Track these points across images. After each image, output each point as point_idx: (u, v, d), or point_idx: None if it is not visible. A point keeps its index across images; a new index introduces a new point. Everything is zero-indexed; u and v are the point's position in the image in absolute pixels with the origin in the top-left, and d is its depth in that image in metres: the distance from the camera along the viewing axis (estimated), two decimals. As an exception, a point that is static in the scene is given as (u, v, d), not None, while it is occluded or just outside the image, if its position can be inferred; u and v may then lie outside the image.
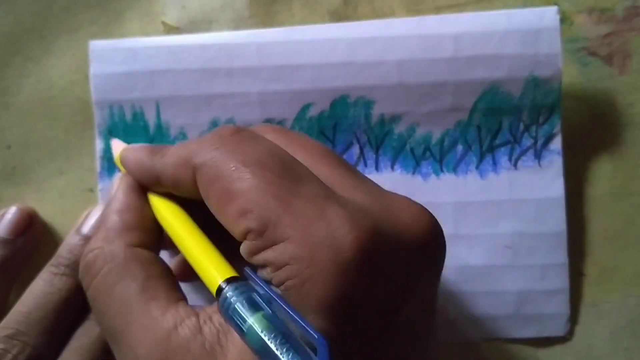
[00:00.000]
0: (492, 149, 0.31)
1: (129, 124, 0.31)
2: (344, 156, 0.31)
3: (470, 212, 0.31)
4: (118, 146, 0.28)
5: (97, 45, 0.30)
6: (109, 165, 0.31)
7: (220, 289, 0.20)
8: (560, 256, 0.31)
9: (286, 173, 0.21)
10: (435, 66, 0.30)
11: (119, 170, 0.28)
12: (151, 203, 0.25)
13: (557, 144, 0.31)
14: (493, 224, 0.31)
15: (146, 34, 0.32)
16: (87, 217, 0.30)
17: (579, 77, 0.32)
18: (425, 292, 0.21)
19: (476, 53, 0.30)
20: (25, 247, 0.31)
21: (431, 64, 0.30)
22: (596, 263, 0.32)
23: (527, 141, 0.31)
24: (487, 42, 0.30)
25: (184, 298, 0.22)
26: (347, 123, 0.31)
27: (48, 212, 0.32)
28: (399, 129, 0.31)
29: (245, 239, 0.20)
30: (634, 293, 0.32)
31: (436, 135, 0.31)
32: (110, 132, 0.31)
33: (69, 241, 0.30)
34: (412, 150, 0.31)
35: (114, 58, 0.30)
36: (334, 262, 0.19)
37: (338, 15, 0.32)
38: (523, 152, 0.31)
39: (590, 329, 0.32)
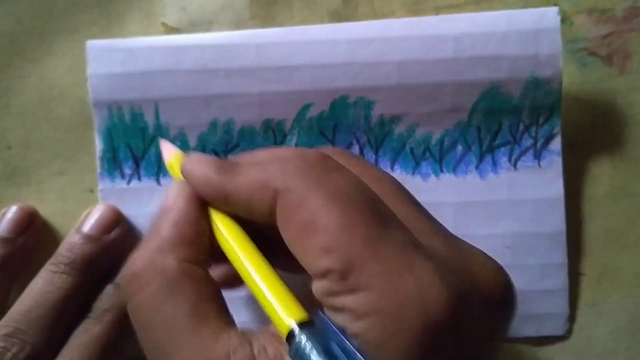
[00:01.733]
0: (491, 149, 0.31)
1: (128, 125, 0.31)
2: (344, 156, 0.31)
3: (470, 213, 0.31)
4: (169, 150, 0.26)
5: (94, 45, 0.30)
6: (109, 166, 0.31)
7: (292, 333, 0.19)
8: (559, 256, 0.31)
9: (375, 214, 0.20)
10: (435, 67, 0.30)
11: (168, 175, 0.27)
12: (213, 221, 0.23)
13: (556, 144, 0.31)
14: (493, 224, 0.31)
15: (146, 34, 0.32)
16: (87, 216, 0.30)
17: (579, 77, 0.32)
18: (492, 347, 0.21)
19: (476, 54, 0.30)
20: (26, 246, 0.31)
21: (431, 65, 0.30)
22: (596, 263, 0.32)
23: (526, 141, 0.31)
24: (487, 42, 0.30)
25: (234, 322, 0.21)
26: (346, 123, 0.31)
27: (48, 213, 0.32)
28: (399, 129, 0.31)
29: (323, 278, 0.19)
30: (634, 293, 0.32)
31: (436, 136, 0.31)
32: (110, 132, 0.31)
33: (69, 240, 0.30)
34: (411, 150, 0.31)
35: (112, 58, 0.30)
36: (421, 320, 0.18)
37: (338, 16, 0.32)
38: (523, 153, 0.31)
39: (590, 328, 0.32)
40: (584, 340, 0.32)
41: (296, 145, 0.31)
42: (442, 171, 0.31)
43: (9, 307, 0.29)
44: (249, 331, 0.21)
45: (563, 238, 0.31)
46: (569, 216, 0.31)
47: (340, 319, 0.19)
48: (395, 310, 0.18)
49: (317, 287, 0.19)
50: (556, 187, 0.31)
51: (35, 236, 0.31)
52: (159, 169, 0.31)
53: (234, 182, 0.22)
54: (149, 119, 0.31)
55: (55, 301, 0.28)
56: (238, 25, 0.32)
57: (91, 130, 0.31)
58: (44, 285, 0.29)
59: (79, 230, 0.30)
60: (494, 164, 0.31)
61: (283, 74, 0.30)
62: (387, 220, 0.20)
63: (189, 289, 0.21)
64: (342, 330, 0.18)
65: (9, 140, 0.32)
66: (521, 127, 0.31)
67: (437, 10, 0.32)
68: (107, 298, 0.30)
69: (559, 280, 0.31)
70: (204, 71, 0.30)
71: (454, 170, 0.31)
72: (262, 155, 0.24)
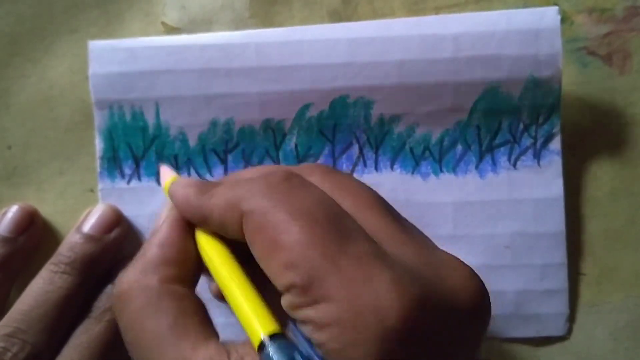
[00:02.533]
0: (491, 149, 0.31)
1: (128, 124, 0.31)
2: (344, 156, 0.32)
3: (469, 212, 0.31)
4: (167, 174, 0.28)
5: (96, 46, 0.31)
6: (109, 165, 0.31)
7: (262, 344, 0.20)
8: (559, 256, 0.31)
9: (335, 228, 0.20)
10: (435, 66, 0.30)
11: (164, 197, 0.28)
12: (198, 241, 0.25)
13: (556, 144, 0.31)
14: (492, 224, 0.31)
15: (146, 34, 0.32)
16: (87, 215, 0.31)
17: (579, 77, 0.32)
18: (468, 354, 0.21)
19: (476, 53, 0.30)
20: (26, 245, 0.31)
21: (431, 64, 0.30)
22: (596, 263, 0.32)
23: (526, 141, 0.31)
24: (487, 42, 0.30)
25: (216, 335, 0.22)
26: (346, 123, 0.31)
27: (48, 212, 0.32)
28: (399, 129, 0.31)
29: (287, 292, 0.20)
30: (633, 293, 0.32)
31: (436, 135, 0.31)
32: (110, 132, 0.31)
33: (70, 239, 0.30)
34: (411, 150, 0.31)
35: (113, 58, 0.30)
36: (377, 329, 0.18)
37: (338, 16, 0.32)
38: (522, 152, 0.31)
39: (589, 329, 0.32)
40: (584, 340, 0.32)
41: (296, 145, 0.31)
42: (441, 171, 0.31)
43: (9, 307, 0.29)
44: (231, 343, 0.21)
45: (563, 238, 0.31)
46: (569, 216, 0.31)
47: (305, 330, 0.20)
48: (352, 320, 0.18)
49: (284, 301, 0.20)
50: (556, 187, 0.31)
51: (35, 236, 0.31)
52: (159, 169, 0.31)
53: (208, 204, 0.23)
54: (150, 119, 0.31)
55: (55, 301, 0.28)
56: (238, 24, 0.32)
57: (91, 130, 0.32)
58: (44, 284, 0.29)
59: (79, 229, 0.30)
60: (494, 163, 0.31)
61: (283, 74, 0.30)
62: (348, 232, 0.21)
63: (170, 306, 0.22)
64: (309, 341, 0.19)
65: (9, 140, 0.32)
66: (521, 126, 0.31)
67: (437, 9, 0.32)
68: (107, 298, 0.30)
69: (559, 280, 0.31)
70: (204, 71, 0.30)
71: (454, 169, 0.31)
72: (242, 175, 0.26)
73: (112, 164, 0.31)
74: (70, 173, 0.32)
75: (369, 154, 0.32)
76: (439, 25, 0.30)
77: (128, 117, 0.31)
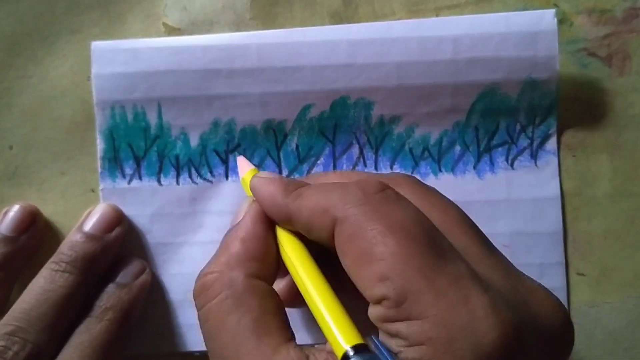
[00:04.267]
0: (489, 149, 0.32)
1: (130, 124, 0.32)
2: (344, 156, 0.32)
3: (468, 212, 0.31)
4: (245, 166, 0.28)
5: (98, 46, 0.31)
6: (110, 166, 0.32)
7: (346, 356, 0.20)
8: (557, 255, 0.32)
9: (431, 246, 0.20)
10: (435, 68, 0.31)
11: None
12: (279, 239, 0.25)
13: (553, 144, 0.32)
14: (491, 224, 0.31)
15: (147, 35, 0.32)
16: (88, 215, 0.31)
17: (579, 77, 0.32)
18: None
19: (475, 55, 0.31)
20: (28, 244, 0.31)
21: (430, 66, 0.31)
22: (596, 263, 0.32)
23: (523, 142, 0.32)
24: (485, 44, 0.31)
25: (293, 337, 0.23)
26: (347, 124, 0.32)
27: (50, 212, 0.32)
28: (398, 129, 0.32)
29: (378, 304, 0.20)
30: (633, 293, 0.32)
31: (435, 136, 0.32)
32: (111, 132, 0.32)
33: (71, 238, 0.30)
34: (411, 150, 0.32)
35: (115, 59, 0.31)
36: (473, 353, 0.18)
37: (338, 17, 0.33)
38: (520, 153, 0.32)
39: (589, 329, 0.32)
40: (584, 340, 0.32)
41: (297, 145, 0.32)
42: (440, 171, 0.32)
43: (10, 306, 0.29)
44: (308, 348, 0.22)
45: (560, 237, 0.32)
46: (569, 216, 0.32)
47: (393, 343, 0.20)
48: (447, 341, 0.19)
49: (373, 312, 0.21)
50: (553, 187, 0.32)
51: (37, 235, 0.32)
52: (160, 169, 0.32)
53: (296, 204, 0.24)
54: (151, 119, 0.32)
55: (56, 300, 0.29)
56: (239, 25, 0.33)
57: (92, 130, 0.32)
58: (45, 283, 0.29)
59: (80, 229, 0.30)
60: (492, 163, 0.32)
61: (284, 75, 0.31)
62: (444, 251, 0.21)
63: (254, 303, 0.23)
64: (394, 356, 0.20)
65: (10, 140, 0.33)
66: (518, 127, 0.32)
67: (438, 10, 0.32)
68: (108, 297, 0.30)
69: (557, 279, 0.32)
70: (206, 71, 0.31)
71: (452, 170, 0.32)
72: (327, 178, 0.27)
73: (113, 164, 0.32)
74: (71, 173, 0.33)
75: (369, 154, 0.32)
76: (438, 27, 0.31)
77: (130, 118, 0.32)
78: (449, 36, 0.31)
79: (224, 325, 0.22)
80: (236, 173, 0.32)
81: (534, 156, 0.32)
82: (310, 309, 0.23)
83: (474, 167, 0.32)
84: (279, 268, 0.25)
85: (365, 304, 0.21)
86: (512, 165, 0.32)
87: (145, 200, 0.32)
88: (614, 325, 0.32)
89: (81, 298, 0.30)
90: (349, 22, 0.32)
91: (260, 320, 0.22)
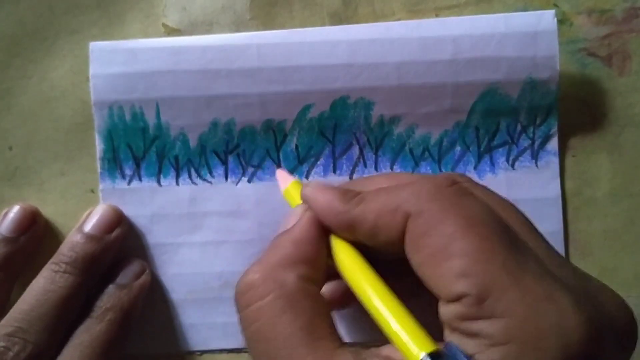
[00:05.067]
0: (489, 149, 0.32)
1: (128, 125, 0.32)
2: (344, 157, 0.32)
3: None
4: (286, 179, 0.29)
5: (97, 46, 0.31)
6: (110, 166, 0.32)
7: None
8: (557, 255, 0.32)
9: (510, 242, 0.20)
10: (435, 68, 0.31)
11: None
12: (334, 247, 0.25)
13: (553, 144, 0.32)
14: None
15: (147, 35, 0.32)
16: (88, 215, 0.31)
17: (579, 78, 0.33)
18: None
19: (475, 55, 0.31)
20: (28, 245, 0.31)
21: (430, 66, 0.31)
22: (596, 263, 0.33)
23: (524, 142, 0.32)
24: (485, 44, 0.31)
25: (343, 342, 0.22)
26: (347, 124, 0.32)
27: (50, 213, 0.33)
28: (399, 129, 0.32)
29: (456, 301, 0.20)
30: (633, 293, 0.32)
31: (435, 136, 0.32)
32: (110, 132, 0.32)
33: (71, 239, 0.30)
34: (411, 150, 0.32)
35: (114, 59, 0.31)
36: (561, 351, 0.18)
37: (338, 17, 0.33)
38: (520, 153, 0.32)
39: (589, 329, 0.33)
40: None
41: (296, 145, 0.32)
42: (441, 171, 0.32)
43: (10, 306, 0.29)
44: (362, 351, 0.22)
45: (560, 237, 0.32)
46: (569, 216, 0.32)
47: (473, 344, 0.19)
48: (535, 339, 0.18)
49: (448, 310, 0.20)
50: (553, 187, 0.32)
51: (37, 236, 0.32)
52: (159, 170, 0.32)
53: (359, 209, 0.23)
54: (150, 119, 0.32)
55: (56, 300, 0.29)
56: (238, 26, 0.33)
57: (92, 130, 0.32)
58: (45, 284, 0.29)
59: (80, 229, 0.31)
60: (492, 164, 0.32)
61: (284, 75, 0.31)
62: (522, 248, 0.21)
63: (306, 305, 0.22)
64: (469, 358, 0.19)
65: (10, 140, 0.33)
66: (519, 127, 0.32)
67: (437, 10, 0.33)
68: (108, 297, 0.30)
69: (557, 279, 0.32)
70: (205, 72, 0.31)
71: (453, 170, 0.32)
72: (373, 182, 0.26)
73: (113, 164, 0.32)
74: (71, 174, 0.33)
75: (369, 155, 0.32)
76: (438, 28, 0.31)
77: (128, 118, 0.32)
78: (449, 36, 0.31)
79: (276, 327, 0.22)
80: (235, 174, 0.32)
81: (534, 157, 0.32)
82: (373, 315, 0.22)
83: (475, 168, 0.32)
84: (327, 275, 0.25)
85: (424, 307, 0.21)
86: (512, 165, 0.32)
87: (144, 201, 0.32)
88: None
89: (81, 298, 0.30)
90: (349, 23, 0.32)
91: (313, 323, 0.22)
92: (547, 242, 0.23)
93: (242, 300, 0.23)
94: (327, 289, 0.28)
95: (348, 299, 0.26)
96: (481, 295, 0.19)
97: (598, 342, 0.19)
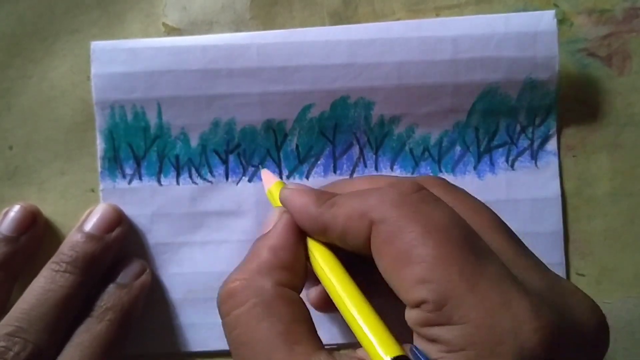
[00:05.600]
0: (489, 150, 0.32)
1: (129, 124, 0.32)
2: (344, 157, 0.32)
3: None
4: (269, 178, 0.29)
5: (98, 46, 0.31)
6: (110, 166, 0.32)
7: None
8: (557, 255, 0.32)
9: (470, 248, 0.20)
10: (435, 68, 0.31)
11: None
12: (310, 250, 0.25)
13: (553, 144, 0.32)
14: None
15: (147, 35, 0.33)
16: (89, 215, 0.31)
17: (579, 78, 0.33)
18: None
19: (475, 55, 0.31)
20: (28, 245, 0.31)
21: (430, 66, 0.31)
22: (596, 263, 0.33)
23: (523, 142, 0.32)
24: (485, 44, 0.31)
25: (323, 346, 0.23)
26: (347, 124, 0.32)
27: (50, 212, 0.33)
28: (399, 129, 0.32)
29: (417, 307, 0.20)
30: (633, 293, 0.33)
31: (435, 136, 0.32)
32: (111, 132, 0.32)
33: (71, 239, 0.30)
34: (411, 150, 0.32)
35: (115, 58, 0.31)
36: (515, 355, 0.19)
37: (338, 17, 0.33)
38: (520, 153, 0.32)
39: (589, 329, 0.33)
40: (584, 340, 0.33)
41: (297, 145, 0.32)
42: (440, 171, 0.32)
43: (11, 306, 0.29)
44: (336, 354, 0.22)
45: (560, 237, 0.32)
46: (569, 216, 0.32)
47: (432, 349, 0.20)
48: (490, 345, 0.19)
49: (411, 315, 0.21)
50: (553, 187, 0.32)
51: (37, 235, 0.32)
52: (160, 169, 0.32)
53: (331, 213, 0.24)
54: (151, 119, 0.32)
55: (57, 300, 0.29)
56: (238, 25, 0.33)
57: (92, 130, 0.32)
58: (45, 283, 0.29)
59: (80, 229, 0.31)
60: (492, 164, 0.32)
61: (284, 75, 0.31)
62: (483, 254, 0.21)
63: (284, 310, 0.23)
64: None
65: (10, 140, 0.33)
66: (518, 128, 0.32)
67: (437, 10, 0.33)
68: (108, 297, 0.30)
69: (557, 279, 0.32)
70: (206, 71, 0.31)
71: (453, 170, 0.32)
72: (353, 185, 0.27)
73: (113, 164, 0.32)
74: (71, 173, 0.33)
75: (369, 155, 0.32)
76: (438, 28, 0.31)
77: (129, 117, 0.32)
78: (448, 36, 0.31)
79: (254, 333, 0.22)
80: (236, 173, 0.32)
81: (534, 157, 0.32)
82: (346, 319, 0.23)
83: (474, 168, 0.32)
84: (307, 278, 0.25)
85: (399, 308, 0.21)
86: (512, 166, 0.32)
87: (145, 200, 0.32)
88: (614, 326, 0.32)
89: (82, 298, 0.30)
90: (349, 22, 0.33)
91: (291, 328, 0.22)
92: (520, 246, 0.23)
93: (223, 308, 0.24)
94: (316, 291, 0.29)
95: (331, 302, 0.26)
96: (439, 301, 0.19)
97: (557, 347, 0.19)
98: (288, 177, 0.32)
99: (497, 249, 0.22)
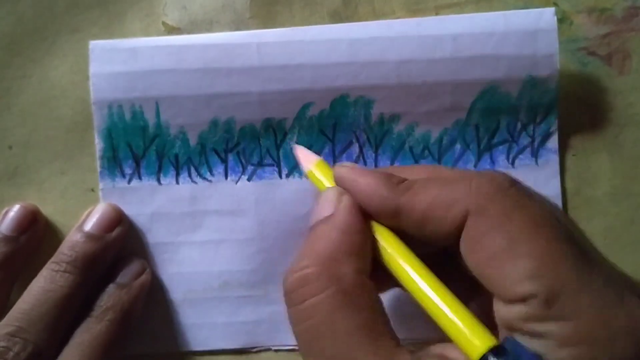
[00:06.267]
0: (489, 147, 0.32)
1: (128, 124, 0.32)
2: (344, 155, 0.33)
3: None
4: (308, 157, 0.28)
5: (97, 45, 0.31)
6: (109, 165, 0.32)
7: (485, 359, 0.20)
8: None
9: (576, 244, 0.20)
10: (435, 66, 0.31)
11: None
12: (378, 236, 0.23)
13: (553, 142, 0.32)
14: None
15: (147, 34, 0.33)
16: (88, 215, 0.31)
17: (579, 77, 0.33)
18: None
19: (475, 53, 0.31)
20: (28, 244, 0.31)
21: (430, 64, 0.31)
22: None
23: (524, 140, 0.32)
24: (485, 42, 0.31)
25: (399, 341, 0.22)
26: (346, 122, 0.32)
27: (50, 212, 0.33)
28: (398, 128, 0.32)
29: (523, 302, 0.20)
30: None
31: (435, 134, 0.32)
32: (110, 131, 0.32)
33: (71, 238, 0.30)
34: (411, 149, 0.32)
35: (114, 58, 0.31)
36: (634, 352, 0.18)
37: (338, 16, 0.33)
38: (520, 151, 0.32)
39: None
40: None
41: (297, 144, 0.32)
42: (440, 170, 0.33)
43: (11, 306, 0.29)
44: (416, 351, 0.21)
45: (560, 235, 0.32)
46: (569, 216, 0.32)
47: (539, 345, 0.19)
48: (605, 341, 0.19)
49: (512, 310, 0.20)
50: (553, 185, 0.32)
51: (37, 235, 0.32)
52: (159, 168, 0.32)
53: (407, 197, 0.23)
54: (150, 118, 0.32)
55: (57, 300, 0.29)
56: (238, 24, 0.33)
57: (92, 130, 0.32)
58: (45, 283, 0.29)
59: (80, 228, 0.31)
60: (492, 162, 0.32)
61: (284, 74, 0.31)
62: (588, 251, 0.21)
63: (365, 301, 0.22)
64: (539, 357, 0.19)
65: (10, 140, 0.33)
66: (519, 125, 0.32)
67: (438, 9, 0.33)
68: (108, 297, 0.30)
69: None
70: (205, 70, 0.31)
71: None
72: (412, 172, 0.25)
73: (113, 163, 0.32)
74: (71, 173, 0.33)
75: (369, 153, 0.33)
76: (438, 26, 0.31)
77: (128, 117, 0.32)
78: (448, 35, 0.31)
79: (335, 324, 0.21)
80: (235, 172, 0.33)
81: (534, 155, 0.32)
82: (428, 309, 0.21)
83: (475, 166, 0.32)
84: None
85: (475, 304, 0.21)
86: (512, 163, 0.33)
87: (144, 200, 0.32)
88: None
89: (81, 298, 0.30)
90: (349, 21, 0.33)
91: (373, 320, 0.21)
92: (592, 244, 0.23)
93: (295, 295, 0.22)
94: None
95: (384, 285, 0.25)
96: (550, 297, 0.19)
97: None
98: (287, 176, 0.32)
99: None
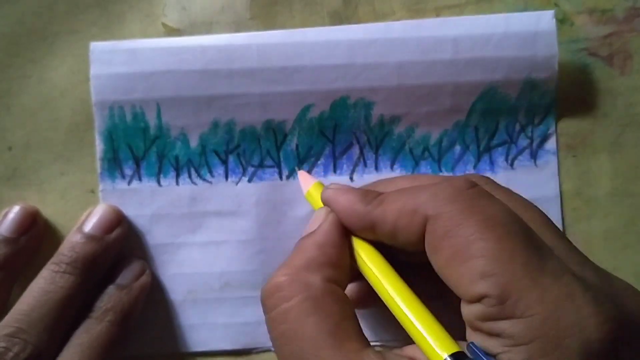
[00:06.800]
0: (489, 149, 0.33)
1: (129, 125, 0.32)
2: (344, 157, 0.33)
3: None
4: (307, 180, 0.30)
5: (97, 47, 0.32)
6: (110, 166, 0.32)
7: None
8: (557, 255, 0.32)
9: (530, 242, 0.21)
10: (434, 68, 0.31)
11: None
12: (356, 248, 0.26)
13: (552, 144, 0.32)
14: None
15: (147, 35, 0.33)
16: (88, 216, 0.31)
17: (580, 77, 0.33)
18: None
19: (474, 55, 0.31)
20: (28, 245, 0.31)
21: (430, 66, 0.31)
22: (596, 263, 0.33)
23: (523, 141, 0.32)
24: (485, 44, 0.31)
25: (369, 343, 0.23)
26: (347, 124, 0.32)
27: (49, 213, 0.33)
28: (399, 129, 0.32)
29: (477, 302, 0.20)
30: None
31: (435, 136, 0.33)
32: (110, 133, 0.32)
33: (71, 239, 0.30)
34: (411, 150, 0.33)
35: (114, 59, 0.31)
36: (581, 350, 0.19)
37: (338, 16, 0.33)
38: (519, 152, 0.33)
39: (590, 329, 0.33)
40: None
41: (297, 145, 0.33)
42: (440, 171, 0.33)
43: (10, 307, 0.29)
44: (386, 352, 0.22)
45: (560, 236, 0.32)
46: (569, 216, 0.33)
47: (494, 343, 0.20)
48: (556, 338, 0.19)
49: (470, 310, 0.21)
50: (552, 186, 0.32)
51: (37, 236, 0.32)
52: (159, 170, 0.33)
53: (380, 210, 0.24)
54: (151, 119, 0.32)
55: (56, 301, 0.29)
56: (238, 25, 0.33)
57: (92, 131, 0.32)
58: (45, 284, 0.29)
59: (80, 229, 0.31)
60: (492, 163, 0.33)
61: (284, 75, 0.31)
62: (542, 248, 0.21)
63: (333, 307, 0.23)
64: (492, 357, 0.20)
65: (10, 141, 0.33)
66: (518, 127, 0.32)
67: (438, 10, 0.33)
68: (108, 298, 0.30)
69: (557, 279, 0.32)
70: (206, 72, 0.31)
71: (453, 169, 0.33)
72: (395, 184, 0.27)
73: (113, 164, 0.32)
74: (71, 174, 0.33)
75: (369, 155, 0.33)
76: (438, 28, 0.31)
77: (129, 118, 0.32)
78: (448, 36, 0.31)
79: (303, 329, 0.22)
80: (236, 174, 0.33)
81: (533, 156, 0.33)
82: (397, 316, 0.23)
83: (474, 167, 0.33)
84: (351, 277, 0.26)
85: (446, 307, 0.22)
86: (511, 165, 0.33)
87: (144, 201, 0.33)
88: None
89: (81, 299, 0.30)
90: (349, 22, 0.33)
91: (340, 325, 0.22)
92: (568, 242, 0.23)
93: (269, 302, 0.24)
94: (350, 289, 0.29)
95: (371, 299, 0.26)
96: (502, 295, 0.20)
97: (618, 341, 0.19)
98: (288, 177, 0.33)
99: (550, 244, 0.22)
